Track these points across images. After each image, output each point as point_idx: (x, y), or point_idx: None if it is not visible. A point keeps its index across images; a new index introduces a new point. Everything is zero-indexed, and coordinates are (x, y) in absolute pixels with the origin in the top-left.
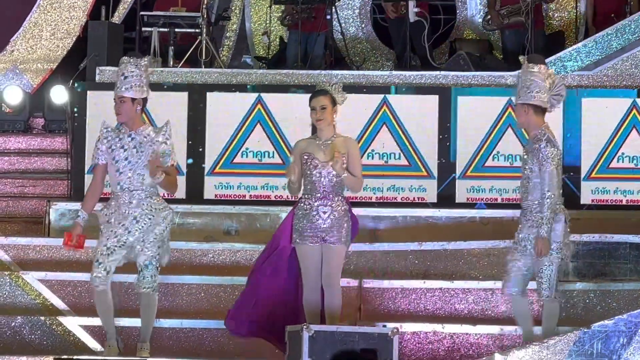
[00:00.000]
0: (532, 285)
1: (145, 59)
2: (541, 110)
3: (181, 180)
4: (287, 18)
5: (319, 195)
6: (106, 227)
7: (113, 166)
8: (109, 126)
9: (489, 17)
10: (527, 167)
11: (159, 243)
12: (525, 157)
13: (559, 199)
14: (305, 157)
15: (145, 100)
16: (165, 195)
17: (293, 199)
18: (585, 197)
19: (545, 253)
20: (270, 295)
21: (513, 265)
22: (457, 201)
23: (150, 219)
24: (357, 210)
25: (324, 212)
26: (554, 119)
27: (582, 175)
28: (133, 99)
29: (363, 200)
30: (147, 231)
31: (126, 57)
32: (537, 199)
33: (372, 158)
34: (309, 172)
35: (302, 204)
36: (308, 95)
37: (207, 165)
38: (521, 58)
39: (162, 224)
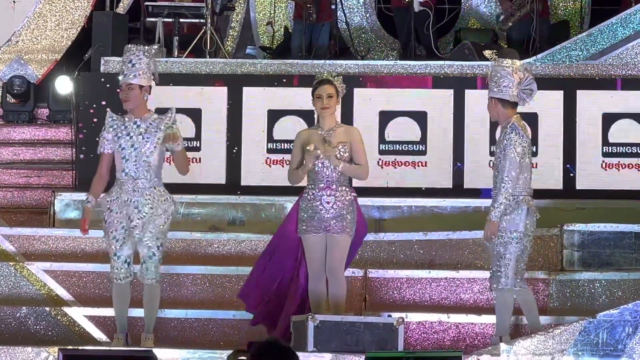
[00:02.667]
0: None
1: (153, 47)
2: (510, 104)
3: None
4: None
5: (322, 185)
6: (109, 217)
7: (119, 153)
8: (114, 115)
9: (502, 17)
10: (495, 157)
11: (159, 234)
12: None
13: (524, 189)
14: (307, 148)
15: (150, 88)
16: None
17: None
18: (590, 186)
19: (489, 237)
20: (276, 284)
21: (509, 261)
22: (463, 190)
23: (151, 208)
24: (362, 200)
25: (327, 202)
26: (556, 107)
27: (587, 165)
28: (140, 86)
29: (368, 188)
30: (147, 221)
31: (133, 45)
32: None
33: (378, 147)
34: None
35: (306, 194)
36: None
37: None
38: (487, 52)
39: (163, 216)
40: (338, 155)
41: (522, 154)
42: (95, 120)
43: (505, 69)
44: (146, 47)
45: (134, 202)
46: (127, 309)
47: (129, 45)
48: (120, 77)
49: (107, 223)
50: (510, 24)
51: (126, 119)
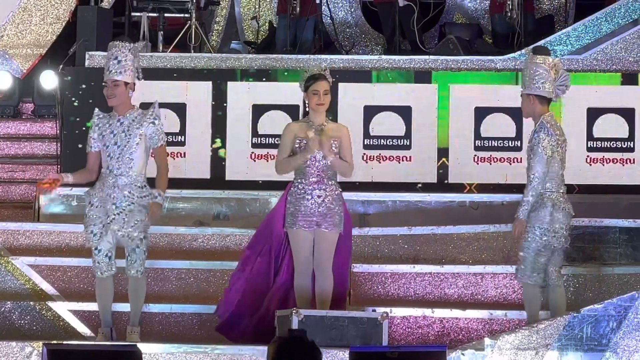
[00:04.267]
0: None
1: (139, 44)
2: (546, 100)
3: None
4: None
5: (312, 179)
6: (90, 211)
7: (105, 151)
8: (100, 113)
9: (509, 15)
10: (527, 156)
11: (140, 228)
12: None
13: (552, 186)
14: (298, 141)
15: (134, 85)
16: None
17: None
18: (575, 181)
19: (519, 235)
20: (259, 283)
21: (526, 254)
22: (448, 185)
23: (130, 204)
24: (346, 195)
25: (319, 197)
26: None
27: (571, 159)
28: (126, 83)
29: (352, 182)
30: (125, 218)
31: (118, 41)
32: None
33: (363, 142)
34: None
35: (294, 189)
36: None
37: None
38: (526, 50)
39: (143, 211)
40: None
41: (551, 152)
42: (79, 115)
43: (541, 65)
44: (132, 44)
45: (112, 197)
46: (111, 303)
47: (115, 42)
48: (105, 73)
49: (87, 217)
50: (515, 15)
51: (110, 116)
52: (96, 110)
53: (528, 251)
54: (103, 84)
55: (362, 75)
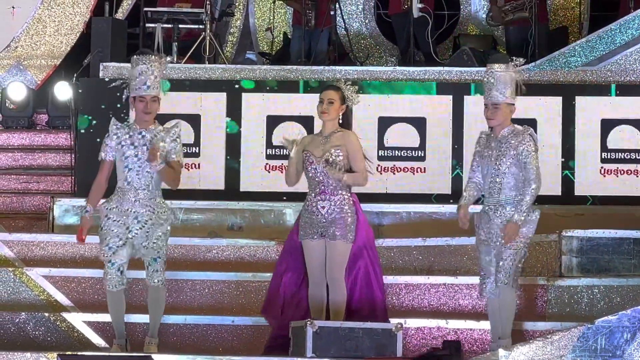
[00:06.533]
0: None
1: (167, 59)
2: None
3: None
4: (310, 19)
5: (317, 190)
6: (106, 224)
7: (122, 162)
8: (118, 123)
9: (491, 13)
10: (501, 164)
11: (162, 243)
12: (492, 152)
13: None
14: (304, 153)
15: None
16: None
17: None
18: (589, 192)
19: (513, 239)
20: (286, 291)
21: (489, 267)
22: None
23: (151, 219)
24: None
25: (322, 207)
26: (554, 113)
27: (586, 170)
28: (159, 98)
29: (366, 193)
30: (147, 231)
31: (151, 55)
32: (512, 194)
33: (377, 153)
34: (306, 168)
35: (306, 201)
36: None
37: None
38: (515, 58)
39: (164, 225)
40: (330, 159)
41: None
42: (94, 125)
43: (516, 74)
44: (162, 59)
45: (133, 212)
46: (123, 315)
47: (149, 56)
48: (140, 88)
49: (104, 230)
50: (499, 23)
51: (130, 128)
52: (113, 119)
53: (515, 259)
54: (136, 97)
55: (376, 87)
